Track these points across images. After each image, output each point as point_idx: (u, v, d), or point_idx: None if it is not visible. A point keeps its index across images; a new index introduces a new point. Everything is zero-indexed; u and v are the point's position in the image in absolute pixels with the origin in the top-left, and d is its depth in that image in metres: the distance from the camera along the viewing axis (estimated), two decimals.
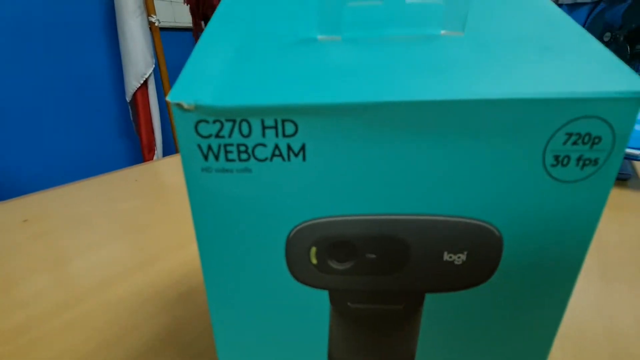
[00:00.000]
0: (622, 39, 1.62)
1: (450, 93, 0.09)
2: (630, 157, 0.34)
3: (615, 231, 0.27)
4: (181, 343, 0.18)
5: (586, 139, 0.09)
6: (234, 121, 0.09)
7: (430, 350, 0.13)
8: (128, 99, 1.52)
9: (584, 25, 1.75)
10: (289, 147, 0.10)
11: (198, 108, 0.09)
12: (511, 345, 0.13)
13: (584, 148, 0.09)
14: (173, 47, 1.84)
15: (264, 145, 0.10)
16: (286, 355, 0.13)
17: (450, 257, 0.11)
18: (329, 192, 0.10)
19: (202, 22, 1.36)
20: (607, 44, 1.68)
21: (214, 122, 0.09)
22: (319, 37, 0.11)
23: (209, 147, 0.10)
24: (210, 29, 0.11)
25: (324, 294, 0.12)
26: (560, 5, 1.92)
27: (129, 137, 1.76)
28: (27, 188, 1.39)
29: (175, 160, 0.51)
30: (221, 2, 0.13)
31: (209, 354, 0.17)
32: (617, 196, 0.34)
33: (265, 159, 0.10)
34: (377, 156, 0.10)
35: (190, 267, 0.25)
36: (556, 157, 0.09)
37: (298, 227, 0.11)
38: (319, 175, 0.10)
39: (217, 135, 0.10)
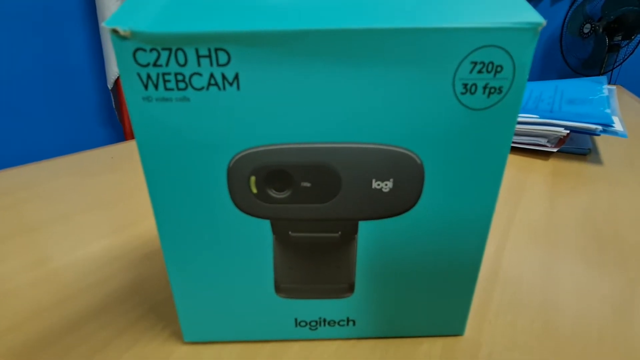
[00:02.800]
0: (600, 30, 1.66)
1: (366, 22, 0.10)
2: (589, 132, 0.36)
3: (570, 203, 0.29)
4: (144, 294, 0.19)
5: (489, 67, 0.10)
6: (170, 49, 0.10)
7: (367, 276, 0.14)
8: (110, 85, 1.49)
9: (565, 17, 1.78)
10: (224, 77, 0.10)
11: (134, 35, 0.10)
12: (440, 271, 0.14)
13: (488, 76, 0.10)
14: None
15: (199, 74, 0.10)
16: (236, 283, 0.14)
17: (379, 184, 0.12)
18: (264, 121, 0.11)
19: None
20: (586, 35, 1.72)
21: (151, 50, 0.10)
22: None
23: (148, 76, 0.10)
24: None
25: (267, 224, 0.13)
26: None
27: (112, 125, 1.72)
28: None
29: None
30: None
31: (170, 303, 0.18)
32: (575, 170, 0.35)
33: (202, 88, 0.11)
34: (304, 84, 0.11)
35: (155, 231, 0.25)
36: (465, 85, 0.10)
37: (237, 156, 0.11)
38: (254, 104, 0.11)
39: (155, 64, 0.10)
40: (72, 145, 1.59)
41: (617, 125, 0.35)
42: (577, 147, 0.39)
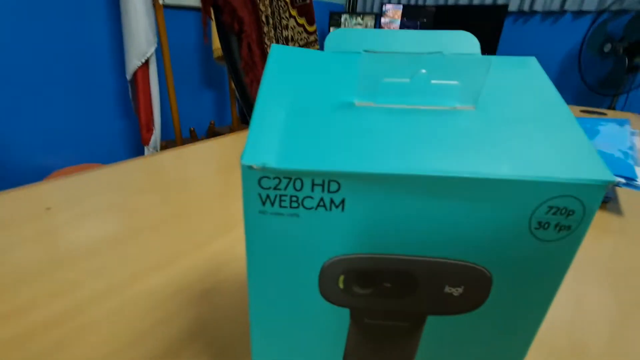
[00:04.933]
0: (621, 51, 1.65)
1: (459, 170, 0.11)
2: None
3: (589, 248, 0.30)
4: (208, 337, 0.21)
5: (563, 211, 0.12)
6: (290, 178, 0.12)
7: (427, 356, 0.16)
8: (128, 77, 1.51)
9: (585, 35, 1.77)
10: (332, 201, 0.12)
11: (264, 169, 0.12)
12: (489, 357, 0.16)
13: (561, 218, 0.12)
14: (176, 26, 1.81)
15: (311, 197, 0.12)
16: (308, 355, 0.16)
17: (450, 289, 0.14)
18: (359, 235, 0.13)
19: (211, 9, 1.35)
20: (606, 55, 1.71)
21: (274, 178, 0.12)
22: (356, 102, 0.14)
23: (267, 196, 0.12)
24: (263, 93, 0.14)
25: (346, 311, 0.14)
26: (564, 12, 1.93)
27: (128, 116, 1.74)
28: (27, 162, 1.39)
29: (176, 154, 0.53)
30: (266, 67, 0.15)
31: (233, 349, 0.20)
32: (596, 217, 0.37)
33: (312, 208, 0.12)
34: (398, 212, 0.12)
35: (211, 263, 0.27)
36: (539, 223, 0.12)
37: (331, 260, 0.13)
38: (353, 223, 0.13)
39: (275, 188, 0.12)
40: (87, 134, 1.61)
41: None
42: None
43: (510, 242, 0.13)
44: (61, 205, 0.35)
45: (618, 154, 0.42)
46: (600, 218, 0.37)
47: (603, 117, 1.05)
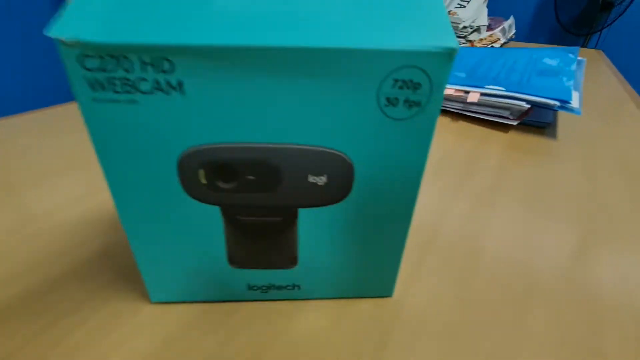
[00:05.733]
0: None
1: (299, 40, 0.11)
2: (548, 107, 0.38)
3: (517, 167, 0.31)
4: (114, 259, 0.21)
5: (409, 84, 0.11)
6: (115, 57, 0.11)
7: (308, 251, 0.16)
8: None
9: None
10: (168, 83, 0.11)
11: (80, 44, 0.10)
12: (370, 247, 0.16)
13: (408, 92, 0.12)
14: None
15: (144, 79, 0.11)
16: (192, 256, 0.16)
17: (314, 179, 0.14)
18: (209, 122, 0.12)
19: None
20: None
21: (97, 56, 0.11)
22: None
23: (96, 80, 0.11)
24: None
25: (217, 209, 0.14)
26: None
27: None
28: None
29: None
30: None
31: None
32: (529, 140, 0.38)
33: (148, 92, 0.11)
34: (245, 93, 0.12)
35: None
36: (387, 99, 0.12)
37: (185, 153, 0.13)
38: (198, 108, 0.12)
39: (102, 69, 0.11)
40: (41, 100, 1.50)
41: (574, 102, 0.37)
42: (537, 120, 0.41)
43: (364, 123, 0.12)
44: None
45: (557, 77, 0.42)
46: (537, 143, 0.38)
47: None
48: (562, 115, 0.45)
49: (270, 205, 0.14)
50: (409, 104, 0.12)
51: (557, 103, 0.37)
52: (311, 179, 0.14)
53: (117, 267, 0.20)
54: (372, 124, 0.12)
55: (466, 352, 0.16)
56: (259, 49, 0.11)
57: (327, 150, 0.13)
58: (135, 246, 0.15)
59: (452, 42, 0.11)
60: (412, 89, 0.12)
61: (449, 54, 0.11)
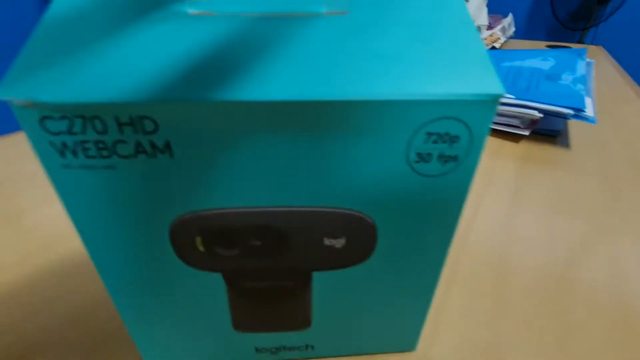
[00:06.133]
0: None
1: (314, 92, 0.09)
2: (561, 116, 0.36)
3: (534, 181, 0.30)
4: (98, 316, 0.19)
5: (445, 137, 0.09)
6: (83, 117, 0.09)
7: (324, 312, 0.14)
8: None
9: None
10: (153, 144, 0.09)
11: (38, 105, 0.08)
12: (393, 305, 0.14)
13: (443, 146, 0.10)
14: None
15: (124, 142, 0.09)
16: (192, 324, 0.14)
17: (330, 242, 0.12)
18: (205, 185, 0.10)
19: None
20: None
21: (62, 118, 0.09)
22: (190, 11, 0.10)
23: (64, 144, 0.09)
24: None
25: (219, 275, 0.12)
26: None
27: None
28: None
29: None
30: None
31: None
32: (542, 150, 0.36)
33: (130, 156, 0.09)
34: (245, 151, 0.10)
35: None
36: (419, 155, 0.10)
37: (177, 220, 0.11)
38: (189, 171, 0.10)
39: (69, 132, 0.09)
40: None
41: (589, 110, 0.35)
42: (548, 128, 0.39)
43: (390, 181, 0.10)
44: None
45: (567, 82, 0.40)
46: (548, 151, 0.36)
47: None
48: (572, 121, 0.43)
49: (280, 270, 0.12)
50: (444, 159, 0.10)
51: (571, 112, 0.35)
52: (327, 241, 0.12)
53: (106, 328, 0.18)
54: (399, 182, 0.10)
55: None
56: (262, 104, 0.09)
57: (345, 211, 0.11)
58: (127, 319, 0.13)
59: (497, 86, 0.09)
60: (448, 143, 0.10)
61: (493, 102, 0.09)
